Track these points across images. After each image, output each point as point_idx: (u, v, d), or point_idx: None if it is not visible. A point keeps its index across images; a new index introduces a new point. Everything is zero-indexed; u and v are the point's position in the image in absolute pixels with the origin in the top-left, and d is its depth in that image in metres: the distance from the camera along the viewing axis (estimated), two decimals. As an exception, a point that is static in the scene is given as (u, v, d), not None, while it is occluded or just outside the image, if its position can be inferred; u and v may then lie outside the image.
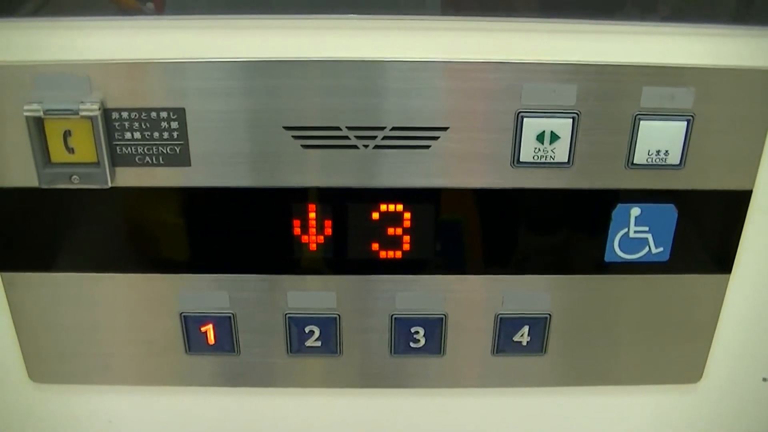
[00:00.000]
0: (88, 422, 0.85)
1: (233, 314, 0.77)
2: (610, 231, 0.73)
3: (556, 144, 0.68)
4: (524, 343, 0.79)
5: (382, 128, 0.68)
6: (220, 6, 0.68)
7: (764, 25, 0.68)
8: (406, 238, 0.73)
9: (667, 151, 0.69)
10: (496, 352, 0.79)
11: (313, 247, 0.73)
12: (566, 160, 0.69)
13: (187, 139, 0.68)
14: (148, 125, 0.67)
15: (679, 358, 0.82)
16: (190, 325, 0.77)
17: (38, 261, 0.74)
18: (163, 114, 0.67)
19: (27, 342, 0.79)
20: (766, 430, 0.88)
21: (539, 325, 0.78)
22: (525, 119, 0.67)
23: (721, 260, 0.76)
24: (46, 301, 0.76)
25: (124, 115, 0.67)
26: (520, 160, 0.69)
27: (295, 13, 0.66)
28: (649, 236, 0.74)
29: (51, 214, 0.72)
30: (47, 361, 0.80)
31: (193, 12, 0.68)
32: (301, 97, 0.67)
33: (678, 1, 0.68)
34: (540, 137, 0.68)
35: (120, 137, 0.68)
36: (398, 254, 0.74)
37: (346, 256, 0.74)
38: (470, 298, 0.77)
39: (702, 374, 0.83)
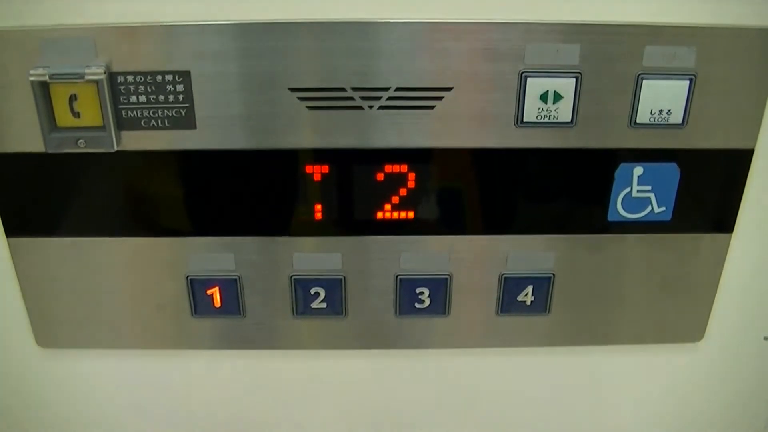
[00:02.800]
0: (95, 386, 0.86)
1: (239, 276, 0.77)
2: (613, 190, 0.74)
3: (559, 104, 0.69)
4: (528, 303, 0.79)
5: (387, 89, 0.68)
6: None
7: (765, -17, 0.68)
8: (411, 198, 0.73)
9: (669, 111, 0.69)
10: (501, 312, 0.80)
11: (318, 208, 0.74)
12: (569, 120, 0.69)
13: (193, 102, 0.68)
14: (153, 88, 0.68)
15: (682, 317, 0.82)
16: (197, 287, 0.77)
17: (45, 226, 0.74)
18: (169, 77, 0.67)
19: (34, 307, 0.80)
20: (766, 388, 0.89)
21: (543, 285, 0.79)
22: (528, 79, 0.68)
23: (723, 219, 0.77)
24: (52, 266, 0.77)
25: (130, 78, 0.67)
26: (524, 120, 0.69)
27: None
28: (652, 195, 0.74)
29: (58, 178, 0.72)
30: (54, 325, 0.81)
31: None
32: (306, 58, 0.67)
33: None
34: (543, 97, 0.68)
35: (125, 101, 0.68)
36: (403, 215, 0.74)
37: (351, 218, 0.74)
38: (474, 258, 0.77)
39: (704, 333, 0.84)
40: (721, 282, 0.80)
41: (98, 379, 0.86)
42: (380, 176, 0.72)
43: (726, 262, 0.79)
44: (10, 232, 0.75)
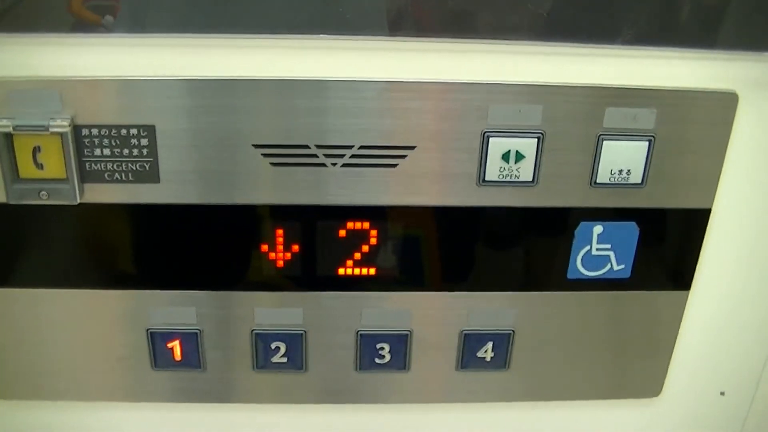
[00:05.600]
0: (54, 438, 0.85)
1: (200, 330, 0.77)
2: (573, 248, 0.74)
3: (521, 163, 0.69)
4: (488, 359, 0.79)
5: (350, 147, 0.68)
6: (194, 25, 0.68)
7: (723, 49, 0.69)
8: (373, 255, 0.74)
9: (629, 171, 0.70)
10: (461, 368, 0.80)
11: (280, 264, 0.73)
12: (531, 179, 0.70)
13: (157, 156, 0.68)
14: (117, 142, 0.67)
15: (640, 373, 0.83)
16: (157, 341, 0.77)
17: (5, 277, 0.74)
18: (133, 131, 0.67)
19: (-8, 358, 0.79)
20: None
21: (503, 341, 0.79)
22: (491, 139, 0.68)
23: (681, 277, 0.78)
24: (11, 316, 0.76)
25: (94, 131, 0.67)
26: (486, 179, 0.70)
27: (266, 32, 0.67)
28: (611, 254, 0.75)
29: (19, 229, 0.71)
30: (12, 376, 0.80)
31: (165, 30, 0.68)
32: (270, 115, 0.67)
33: (640, 24, 0.69)
34: (505, 156, 0.69)
35: (90, 154, 0.68)
36: (364, 271, 0.74)
37: (313, 273, 0.74)
38: (435, 315, 0.77)
39: (662, 388, 0.84)
40: (678, 338, 0.81)
41: (56, 431, 0.85)
42: (342, 233, 0.72)
43: (684, 318, 0.80)
44: (-31, 283, 0.75)
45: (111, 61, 0.67)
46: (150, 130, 0.67)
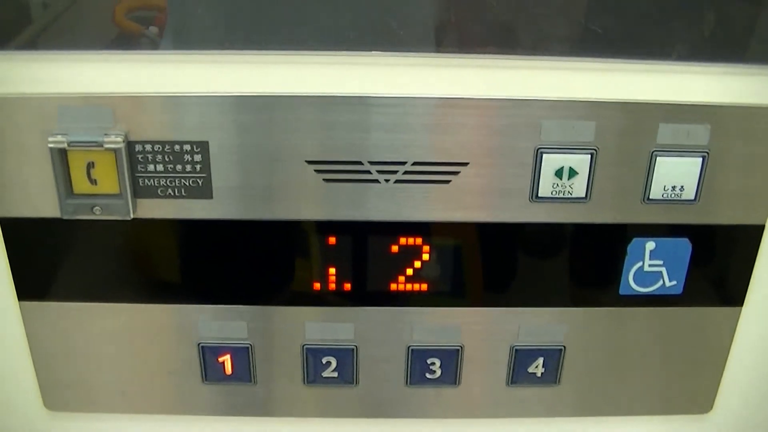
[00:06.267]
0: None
1: (251, 345, 0.77)
2: (625, 264, 0.74)
3: (574, 179, 0.69)
4: (539, 374, 0.79)
5: (404, 163, 0.68)
6: (246, 41, 0.68)
7: (777, 63, 0.69)
8: (425, 271, 0.73)
9: (682, 187, 0.70)
10: (511, 383, 0.80)
11: (332, 279, 0.73)
12: (584, 195, 0.70)
13: (210, 172, 0.68)
14: (171, 158, 0.68)
15: (691, 389, 0.82)
16: (208, 355, 0.77)
17: (58, 290, 0.74)
18: (187, 147, 0.67)
19: (43, 370, 0.79)
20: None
21: (554, 357, 0.78)
22: (544, 155, 0.68)
23: (734, 293, 0.77)
24: (64, 329, 0.76)
25: (148, 147, 0.67)
26: (539, 195, 0.70)
27: (320, 49, 0.67)
28: (664, 270, 0.74)
29: (72, 244, 0.72)
30: (63, 389, 0.80)
31: (215, 47, 0.68)
32: (324, 131, 0.67)
33: (693, 39, 0.69)
34: (559, 173, 0.69)
35: (143, 169, 0.68)
36: (416, 287, 0.74)
37: (364, 289, 0.74)
38: (486, 330, 0.77)
39: (713, 405, 0.83)
40: (730, 354, 0.80)
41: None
42: (395, 248, 0.72)
43: (735, 335, 0.79)
44: (22, 296, 0.75)
45: (160, 77, 0.67)
46: (203, 146, 0.67)
